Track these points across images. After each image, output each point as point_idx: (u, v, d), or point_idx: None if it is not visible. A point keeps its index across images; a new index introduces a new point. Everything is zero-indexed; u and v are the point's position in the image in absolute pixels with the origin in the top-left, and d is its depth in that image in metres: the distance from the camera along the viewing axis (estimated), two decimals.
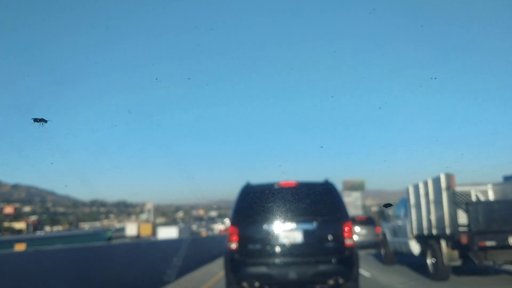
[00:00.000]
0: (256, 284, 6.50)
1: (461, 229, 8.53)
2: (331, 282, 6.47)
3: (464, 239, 8.37)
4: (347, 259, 6.50)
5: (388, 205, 7.72)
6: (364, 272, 11.19)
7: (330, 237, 6.55)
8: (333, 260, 6.43)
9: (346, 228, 6.56)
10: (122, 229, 69.06)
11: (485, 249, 8.29)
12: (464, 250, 8.68)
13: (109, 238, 29.50)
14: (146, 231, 64.28)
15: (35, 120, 4.58)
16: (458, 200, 8.80)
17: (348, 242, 6.53)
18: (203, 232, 50.39)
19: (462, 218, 8.65)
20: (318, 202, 6.84)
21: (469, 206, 8.36)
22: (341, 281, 6.48)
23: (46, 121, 4.62)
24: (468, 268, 9.44)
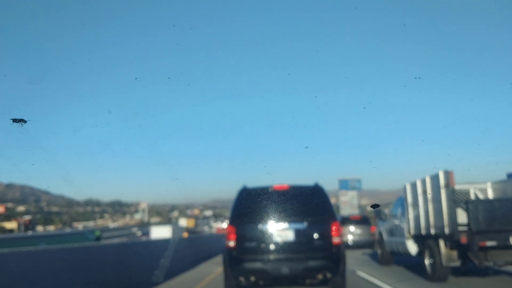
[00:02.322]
0: (252, 278, 7.15)
1: (460, 228, 8.21)
2: (320, 276, 7.15)
3: (463, 239, 8.05)
4: (334, 256, 7.10)
5: (375, 206, 7.93)
6: (360, 273, 10.89)
7: (319, 235, 7.16)
8: (322, 257, 7.05)
9: (333, 228, 7.16)
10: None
11: (485, 249, 7.98)
12: (463, 250, 8.36)
13: (97, 238, 28.76)
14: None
15: (14, 120, 4.51)
16: (458, 199, 8.48)
17: (335, 240, 7.12)
18: (185, 233, 49.66)
19: (462, 217, 8.33)
20: (308, 204, 7.45)
21: (469, 204, 8.04)
22: (329, 275, 7.13)
23: (25, 121, 4.54)
24: (467, 269, 9.14)
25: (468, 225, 8.04)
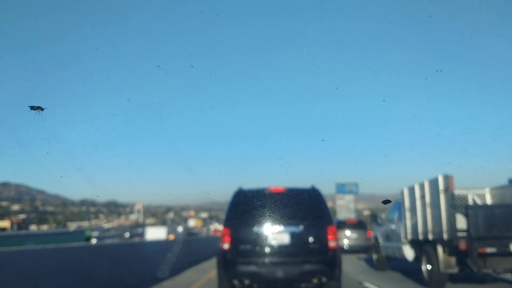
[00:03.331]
0: (246, 281, 6.97)
1: (459, 234, 8.02)
2: (315, 280, 6.98)
3: (462, 245, 7.87)
4: (330, 260, 6.98)
5: (387, 202, 7.76)
6: (356, 277, 10.70)
7: (315, 239, 7.03)
8: (317, 261, 6.93)
9: (329, 231, 7.04)
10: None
11: (484, 256, 7.81)
12: (462, 257, 8.18)
13: (88, 238, 27.70)
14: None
15: (32, 108, 4.49)
16: (457, 204, 8.29)
17: (331, 244, 7.00)
18: (171, 236, 47.33)
19: (460, 222, 8.15)
20: (304, 207, 7.31)
21: (469, 209, 7.87)
22: (324, 280, 6.96)
23: (43, 109, 4.53)
24: (465, 275, 8.96)
25: (467, 231, 7.87)
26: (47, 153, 7.74)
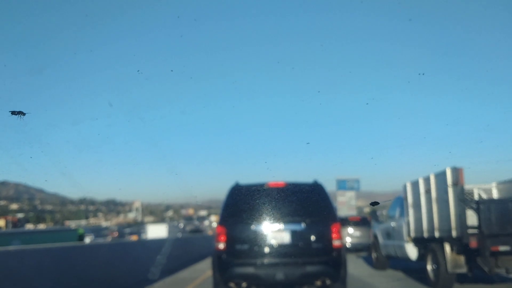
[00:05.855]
0: (244, 284, 6.53)
1: (469, 231, 7.42)
2: (318, 283, 6.50)
3: (473, 243, 7.28)
4: (334, 260, 6.51)
5: (375, 203, 7.17)
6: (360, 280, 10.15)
7: (318, 238, 6.52)
8: (321, 261, 6.45)
9: (334, 229, 6.57)
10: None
11: (497, 254, 7.21)
12: (472, 256, 7.59)
13: (81, 237, 25.82)
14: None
15: (13, 112, 4.39)
16: (467, 198, 7.66)
17: (336, 243, 6.54)
18: (134, 236, 43.56)
19: (470, 219, 7.55)
20: (306, 203, 6.86)
21: (481, 204, 7.25)
22: (328, 282, 6.49)
23: (24, 114, 4.42)
24: (473, 275, 8.38)
25: (478, 227, 7.28)
26: (31, 157, 7.38)
